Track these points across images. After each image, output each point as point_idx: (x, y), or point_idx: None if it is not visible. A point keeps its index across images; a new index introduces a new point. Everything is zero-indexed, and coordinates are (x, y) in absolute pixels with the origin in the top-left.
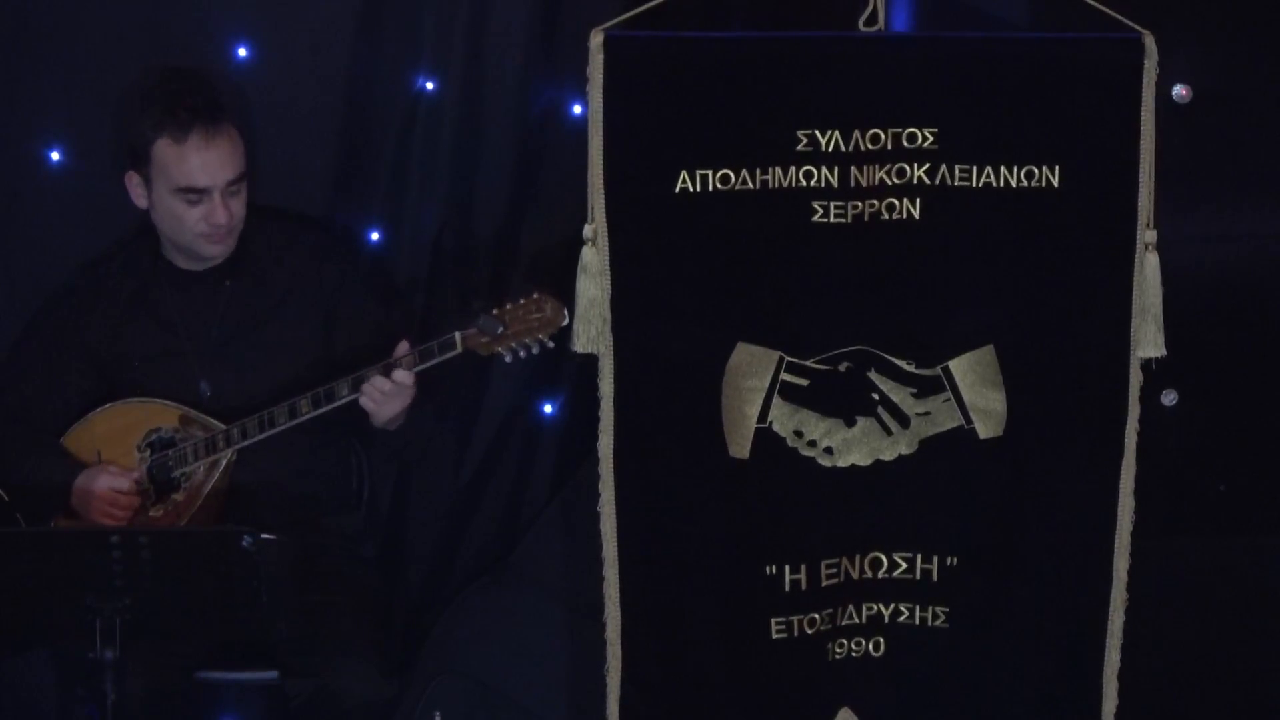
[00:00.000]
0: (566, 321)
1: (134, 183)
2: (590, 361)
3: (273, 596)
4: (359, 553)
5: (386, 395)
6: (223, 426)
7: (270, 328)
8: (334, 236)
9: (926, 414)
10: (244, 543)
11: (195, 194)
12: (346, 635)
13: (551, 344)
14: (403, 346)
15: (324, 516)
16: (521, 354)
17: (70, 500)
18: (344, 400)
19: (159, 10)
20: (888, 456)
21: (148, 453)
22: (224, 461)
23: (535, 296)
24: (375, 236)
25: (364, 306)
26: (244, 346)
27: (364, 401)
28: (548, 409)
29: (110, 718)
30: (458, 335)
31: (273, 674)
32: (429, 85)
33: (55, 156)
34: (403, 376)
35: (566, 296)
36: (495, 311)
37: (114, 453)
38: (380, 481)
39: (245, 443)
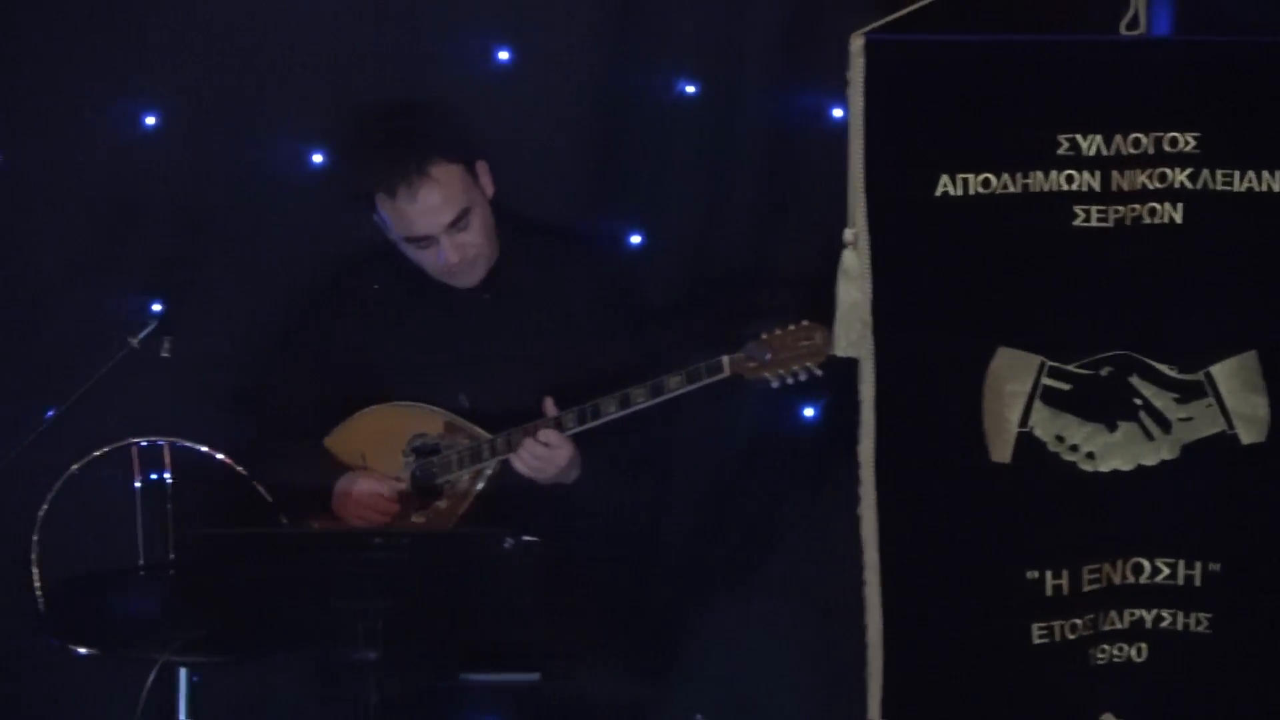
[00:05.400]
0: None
1: (379, 220)
2: (848, 365)
3: (532, 598)
4: (618, 554)
5: (540, 459)
6: (488, 436)
7: (529, 343)
8: (594, 254)
9: (1188, 419)
10: (505, 544)
11: (420, 240)
12: (604, 637)
13: (820, 372)
14: (548, 405)
15: (584, 519)
16: (789, 381)
17: (331, 502)
18: (609, 418)
19: (418, 17)
20: (1150, 461)
21: (412, 458)
22: (487, 471)
23: (805, 324)
24: (636, 240)
25: (619, 332)
26: (502, 359)
27: (519, 466)
28: (808, 413)
29: (373, 718)
30: (725, 359)
31: (535, 675)
32: (689, 89)
33: (317, 159)
34: (549, 437)
35: (824, 300)
36: (764, 337)
37: (378, 455)
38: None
39: (509, 454)
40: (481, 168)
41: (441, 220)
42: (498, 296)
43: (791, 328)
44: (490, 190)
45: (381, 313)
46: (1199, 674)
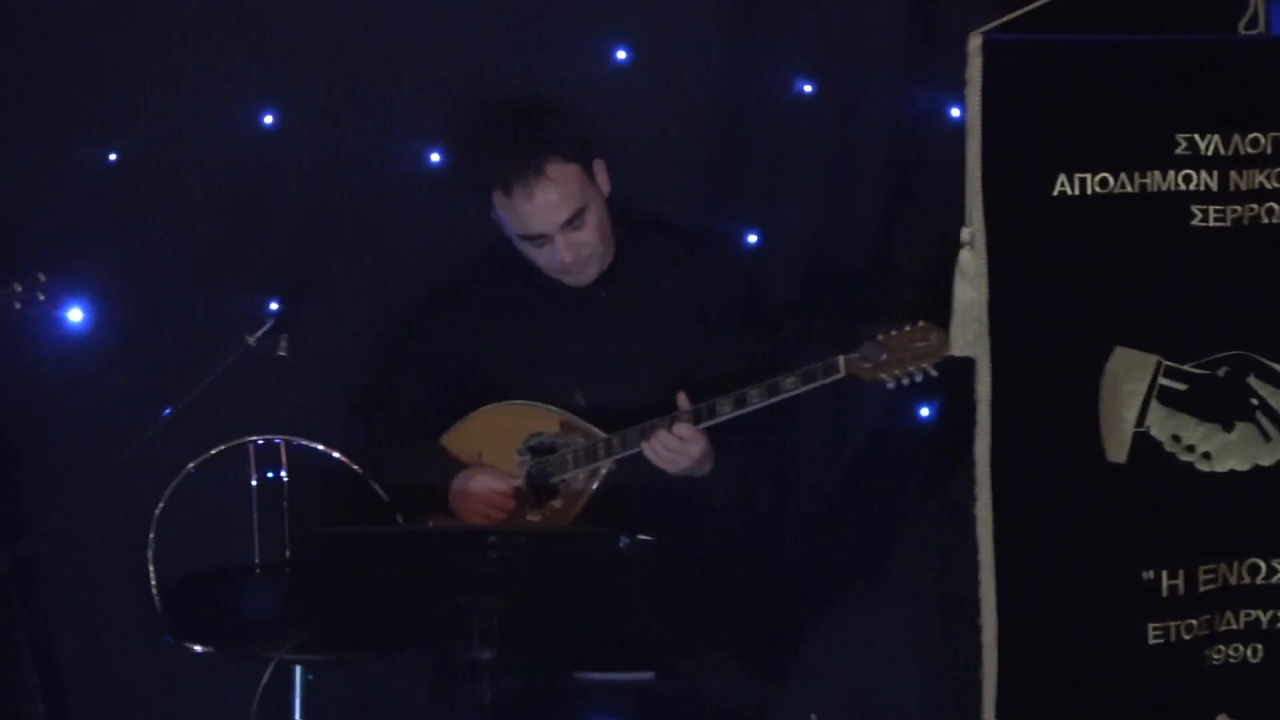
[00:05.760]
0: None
1: (495, 217)
2: (964, 364)
3: (646, 597)
4: (733, 554)
5: (673, 450)
6: (603, 435)
7: (644, 341)
8: (710, 253)
9: None
10: (620, 544)
11: (535, 238)
12: (719, 636)
13: (936, 373)
14: (682, 399)
15: (699, 518)
16: (905, 381)
17: (448, 500)
18: (725, 417)
19: (538, 16)
20: (1266, 462)
21: (528, 456)
22: (603, 470)
23: (921, 324)
24: (753, 239)
25: (735, 332)
26: (618, 358)
27: (650, 456)
28: (924, 412)
29: (488, 717)
30: (841, 360)
31: (649, 674)
32: (807, 88)
33: (435, 157)
34: (684, 430)
35: (941, 299)
36: (880, 337)
37: (494, 454)
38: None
39: (625, 453)
40: (599, 166)
41: (556, 219)
42: (614, 294)
43: (908, 328)
44: (607, 189)
45: (498, 310)
46: None
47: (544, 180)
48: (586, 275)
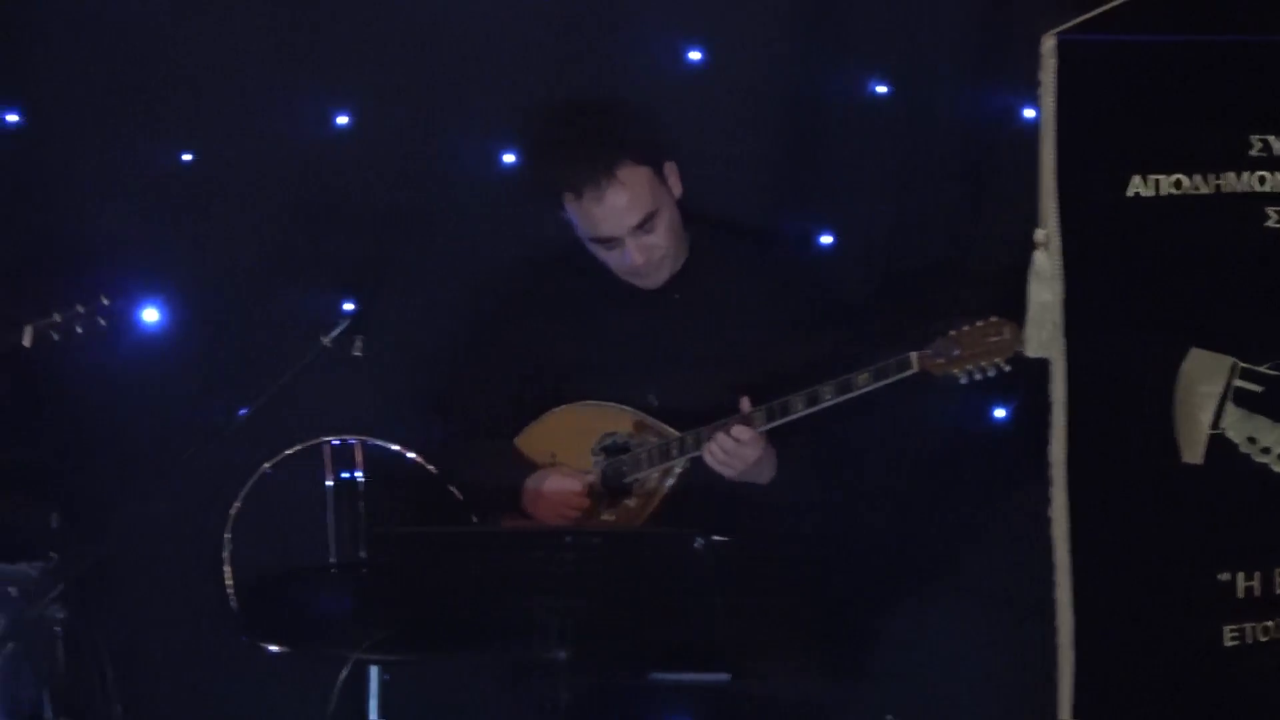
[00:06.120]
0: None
1: (567, 219)
2: (1039, 365)
3: (722, 597)
4: (808, 554)
5: (729, 453)
6: (677, 434)
7: (716, 342)
8: (783, 253)
9: None
10: (696, 544)
11: (606, 241)
12: (795, 637)
13: (1008, 368)
14: (744, 403)
15: (769, 519)
16: (977, 377)
17: (521, 500)
18: (797, 415)
19: (611, 18)
20: None
21: (602, 456)
22: (677, 469)
23: (993, 320)
24: (826, 240)
25: (806, 332)
26: (690, 359)
27: (708, 460)
28: (999, 413)
29: (563, 717)
30: (913, 355)
31: (725, 675)
32: (881, 89)
33: (509, 158)
34: (741, 433)
35: (1014, 299)
36: (952, 333)
37: (568, 454)
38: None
39: (698, 453)
40: (670, 169)
41: (627, 222)
42: (686, 296)
43: (979, 324)
44: (678, 191)
45: (571, 312)
46: None
47: (615, 184)
48: (659, 277)
